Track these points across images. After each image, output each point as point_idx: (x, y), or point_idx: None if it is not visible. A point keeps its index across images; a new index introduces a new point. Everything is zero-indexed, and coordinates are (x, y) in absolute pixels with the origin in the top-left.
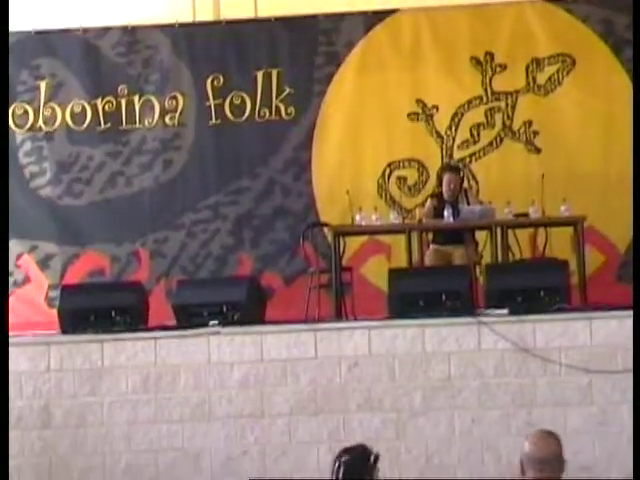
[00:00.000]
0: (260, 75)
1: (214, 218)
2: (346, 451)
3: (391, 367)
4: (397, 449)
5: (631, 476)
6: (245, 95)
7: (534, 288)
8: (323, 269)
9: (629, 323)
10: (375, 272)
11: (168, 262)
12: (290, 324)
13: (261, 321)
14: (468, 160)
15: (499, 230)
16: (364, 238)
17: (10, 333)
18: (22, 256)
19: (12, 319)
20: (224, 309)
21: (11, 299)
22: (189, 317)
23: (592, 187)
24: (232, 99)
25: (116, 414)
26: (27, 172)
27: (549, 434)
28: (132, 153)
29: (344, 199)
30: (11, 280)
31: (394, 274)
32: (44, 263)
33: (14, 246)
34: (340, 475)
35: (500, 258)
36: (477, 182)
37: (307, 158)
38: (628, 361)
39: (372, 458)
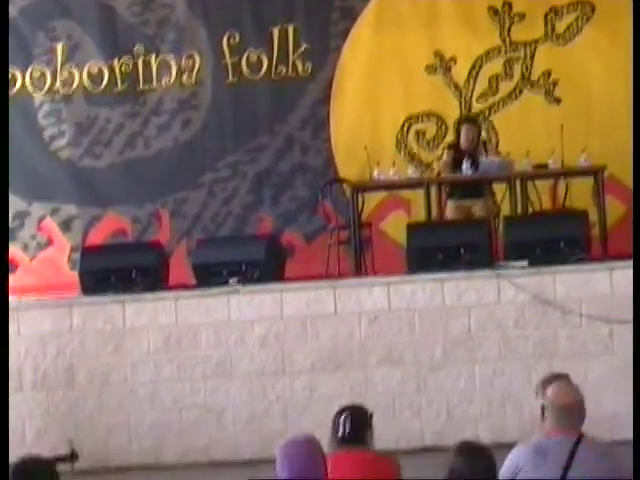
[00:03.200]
0: (276, 32)
1: (233, 176)
2: (346, 408)
3: (411, 322)
4: (418, 403)
5: None
6: (261, 52)
7: (554, 239)
8: (342, 226)
9: None
10: (395, 228)
11: (189, 222)
12: (309, 281)
13: (281, 279)
14: (487, 112)
15: (518, 182)
16: (384, 194)
17: (33, 295)
18: (44, 219)
19: (35, 281)
20: (243, 268)
21: (34, 262)
22: (209, 276)
23: (612, 137)
24: (248, 56)
25: (139, 373)
26: (46, 134)
27: (569, 383)
28: (150, 114)
29: (363, 155)
30: (34, 243)
31: (412, 229)
32: (66, 225)
33: (36, 209)
34: (347, 428)
35: (519, 210)
36: (496, 134)
37: (325, 114)
38: None
39: (369, 415)
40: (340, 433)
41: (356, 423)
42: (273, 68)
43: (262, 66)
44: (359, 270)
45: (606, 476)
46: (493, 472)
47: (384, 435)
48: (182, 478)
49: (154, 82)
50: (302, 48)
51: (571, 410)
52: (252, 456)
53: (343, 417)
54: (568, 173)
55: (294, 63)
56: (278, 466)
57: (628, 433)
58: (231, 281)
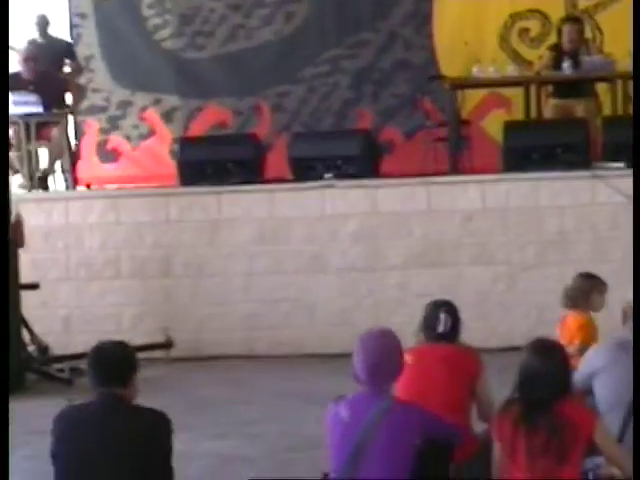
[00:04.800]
0: None
1: (334, 72)
2: (442, 304)
3: (504, 221)
4: (509, 302)
5: None
6: None
7: None
8: (442, 123)
9: None
10: (495, 126)
11: (288, 116)
12: (403, 178)
13: (376, 175)
14: (592, 11)
15: (620, 82)
16: (484, 92)
17: (134, 185)
18: (147, 109)
19: (137, 171)
20: (339, 162)
21: (136, 152)
22: (304, 170)
23: None
24: None
25: (233, 265)
26: (150, 24)
27: None
28: (253, 6)
29: (465, 52)
30: (136, 133)
31: (509, 127)
32: (168, 116)
33: (139, 99)
34: (448, 324)
35: (620, 111)
36: (601, 33)
37: (428, 10)
38: None
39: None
40: (441, 329)
41: (454, 319)
42: None
43: None
44: (456, 168)
45: None
46: (564, 369)
47: (473, 333)
48: (273, 368)
49: None
50: None
51: None
52: (342, 350)
53: (443, 313)
54: None
55: None
56: (355, 357)
57: None
58: (326, 176)
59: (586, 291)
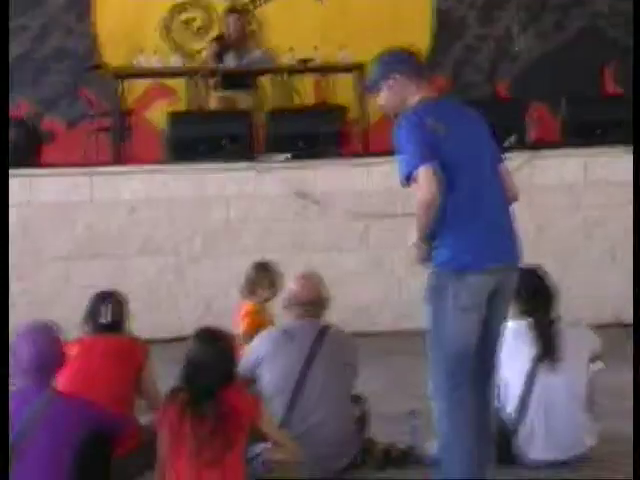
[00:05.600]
0: None
1: None
2: (106, 295)
3: (170, 212)
4: (177, 293)
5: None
6: None
7: (314, 134)
8: (105, 112)
9: None
10: (159, 116)
11: None
12: (66, 167)
13: (36, 165)
14: (254, 5)
15: (283, 76)
16: (149, 82)
17: None
18: None
19: None
20: None
21: None
22: None
23: (369, 34)
24: None
25: None
26: None
27: (312, 276)
28: None
29: (127, 41)
30: None
31: (173, 118)
32: None
33: None
34: (109, 315)
35: (284, 104)
36: (262, 27)
37: None
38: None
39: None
40: (105, 319)
41: (119, 310)
42: None
43: None
44: (119, 158)
45: (346, 362)
46: (229, 357)
47: (142, 324)
48: None
49: None
50: None
51: (313, 301)
52: None
53: (108, 304)
54: (329, 69)
55: None
56: (16, 351)
57: (377, 324)
58: None
59: (255, 281)
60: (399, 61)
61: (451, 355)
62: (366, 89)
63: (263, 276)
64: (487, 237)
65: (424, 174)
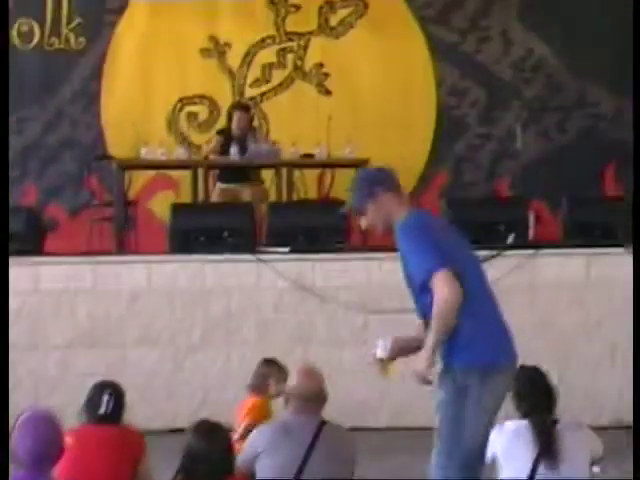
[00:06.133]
0: (49, 2)
1: None
2: (107, 385)
3: (170, 302)
4: (174, 383)
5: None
6: (34, 22)
7: (315, 227)
8: (108, 202)
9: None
10: (162, 208)
11: None
12: (68, 256)
13: (40, 252)
14: (259, 99)
15: (285, 170)
16: (152, 173)
17: None
18: None
19: None
20: None
21: None
22: None
23: (378, 131)
24: (19, 26)
25: None
26: None
27: (313, 371)
28: None
29: (132, 133)
30: None
31: (176, 209)
32: None
33: None
34: (110, 406)
35: (285, 197)
36: (267, 121)
37: (96, 90)
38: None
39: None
40: (102, 410)
41: (118, 401)
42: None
43: (34, 37)
44: (121, 248)
45: (345, 458)
46: (226, 451)
47: (138, 415)
48: None
49: None
50: (75, 22)
51: (313, 396)
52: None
53: (107, 395)
54: (333, 164)
55: (67, 36)
56: (15, 439)
57: (374, 420)
58: None
59: (264, 376)
60: (380, 179)
61: (469, 451)
62: (353, 212)
63: (274, 371)
64: (501, 337)
65: (444, 276)
